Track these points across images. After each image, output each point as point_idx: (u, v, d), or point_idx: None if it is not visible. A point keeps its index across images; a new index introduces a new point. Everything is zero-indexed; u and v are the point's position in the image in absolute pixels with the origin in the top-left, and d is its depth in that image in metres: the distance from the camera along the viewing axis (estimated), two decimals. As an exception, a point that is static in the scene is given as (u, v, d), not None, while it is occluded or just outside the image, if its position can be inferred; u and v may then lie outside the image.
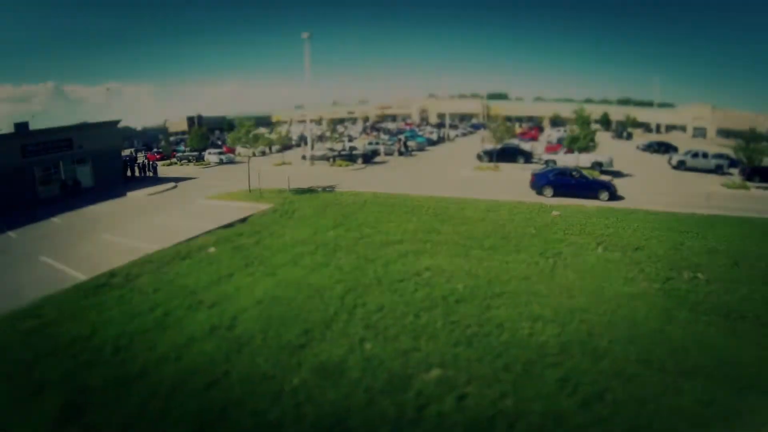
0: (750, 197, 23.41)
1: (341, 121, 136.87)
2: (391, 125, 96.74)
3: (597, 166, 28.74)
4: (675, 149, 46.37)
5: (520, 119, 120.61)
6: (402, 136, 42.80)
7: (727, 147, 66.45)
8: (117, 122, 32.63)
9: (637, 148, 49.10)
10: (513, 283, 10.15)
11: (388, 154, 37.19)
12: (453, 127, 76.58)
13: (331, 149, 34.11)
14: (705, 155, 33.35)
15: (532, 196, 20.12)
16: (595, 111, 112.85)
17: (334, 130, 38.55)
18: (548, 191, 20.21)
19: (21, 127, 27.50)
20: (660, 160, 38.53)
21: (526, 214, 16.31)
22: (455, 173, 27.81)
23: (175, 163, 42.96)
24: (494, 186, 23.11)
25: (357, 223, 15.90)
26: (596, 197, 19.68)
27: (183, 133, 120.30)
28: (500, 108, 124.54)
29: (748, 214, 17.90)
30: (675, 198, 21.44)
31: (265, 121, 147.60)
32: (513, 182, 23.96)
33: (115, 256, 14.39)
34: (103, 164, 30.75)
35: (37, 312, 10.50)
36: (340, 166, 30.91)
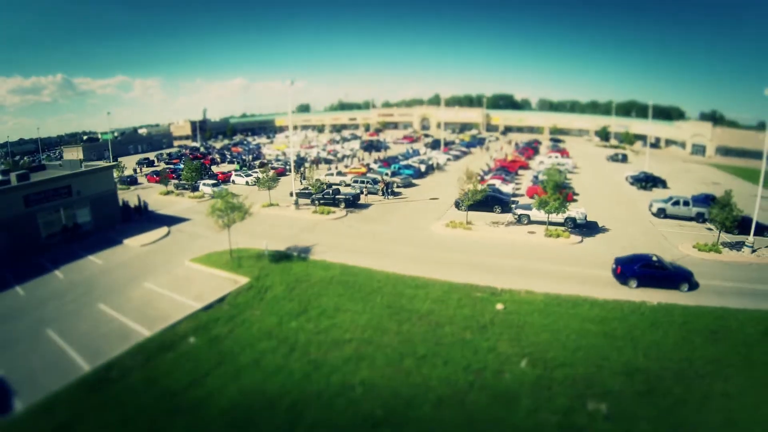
0: (719, 264, 24.82)
1: (343, 126, 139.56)
2: (389, 138, 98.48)
3: (570, 221, 30.08)
4: (663, 183, 47.73)
5: (520, 129, 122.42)
6: (388, 171, 45.06)
7: (724, 169, 67.81)
8: (113, 167, 35.36)
9: (626, 179, 49.90)
10: (425, 408, 12.88)
11: (372, 193, 39.57)
12: (448, 144, 78.52)
13: (319, 185, 36.22)
14: (686, 203, 34.23)
15: (486, 272, 22.57)
16: (596, 123, 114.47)
17: (318, 163, 40.77)
18: (633, 283, 21.27)
19: (22, 177, 30.30)
20: (644, 200, 39.69)
21: (471, 307, 18.88)
22: (427, 230, 30.35)
23: (172, 192, 45.54)
24: (459, 254, 25.63)
25: (319, 310, 18.77)
26: (677, 288, 21.02)
27: (187, 137, 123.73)
28: (500, 117, 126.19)
29: (700, 303, 19.64)
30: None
31: (268, 126, 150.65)
32: (478, 249, 26.38)
33: (111, 339, 17.41)
34: (101, 207, 33.71)
35: (52, 409, 13.63)
36: (322, 213, 33.44)
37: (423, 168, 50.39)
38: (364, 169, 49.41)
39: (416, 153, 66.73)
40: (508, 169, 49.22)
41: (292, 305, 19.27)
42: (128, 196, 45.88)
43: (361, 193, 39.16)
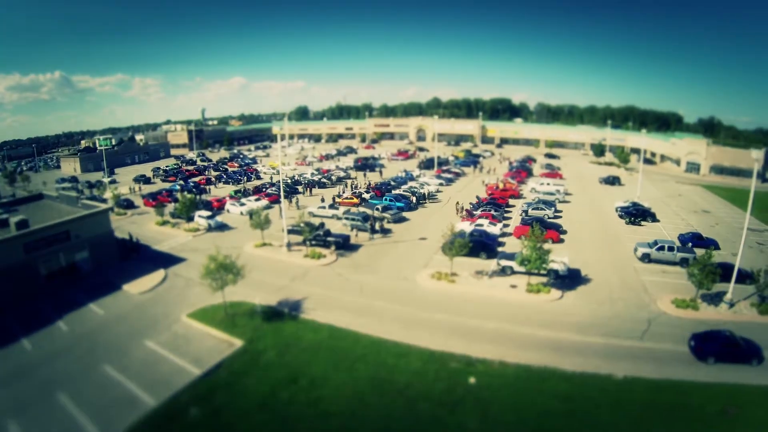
0: (695, 324, 25.88)
1: (340, 136, 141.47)
2: (384, 152, 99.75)
3: (553, 273, 31.43)
4: (652, 216, 48.73)
5: (516, 141, 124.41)
6: (379, 206, 46.87)
7: (717, 190, 69.36)
8: (109, 209, 37.21)
9: (616, 210, 51.34)
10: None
11: (363, 230, 41.47)
12: (442, 164, 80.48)
13: (309, 225, 37.81)
14: (671, 248, 35.53)
15: (465, 336, 24.79)
16: (591, 136, 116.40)
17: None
18: (711, 359, 22.41)
19: (21, 225, 32.07)
20: (631, 238, 41.52)
21: (447, 380, 20.74)
22: (413, 281, 32.21)
23: (168, 222, 47.21)
24: (441, 314, 27.41)
25: (308, 379, 20.95)
26: (749, 363, 22.43)
27: (184, 145, 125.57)
28: (496, 129, 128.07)
29: (670, 375, 21.16)
30: (613, 327, 25.61)
31: (265, 133, 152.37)
32: (459, 308, 28.07)
33: (119, 406, 19.39)
34: (99, 248, 35.70)
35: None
36: (313, 257, 35.37)
37: (414, 199, 52.24)
38: (356, 200, 51.31)
39: (409, 175, 68.68)
40: (497, 202, 50.95)
41: (283, 373, 21.29)
42: (126, 225, 47.83)
43: (352, 230, 41.14)
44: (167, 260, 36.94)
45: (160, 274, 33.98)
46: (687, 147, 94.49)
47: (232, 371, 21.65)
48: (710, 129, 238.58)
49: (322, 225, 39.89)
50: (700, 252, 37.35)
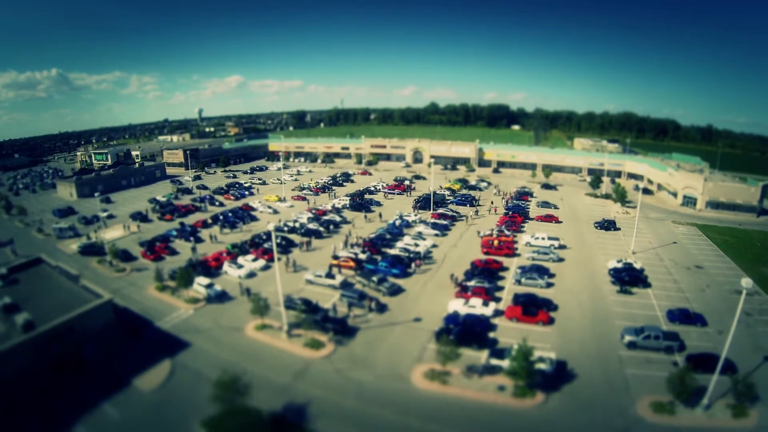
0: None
1: (336, 155, 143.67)
2: (381, 176, 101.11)
3: (539, 372, 33.66)
4: (644, 280, 51.73)
5: (513, 165, 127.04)
6: (374, 279, 49.31)
7: (713, 231, 71.61)
8: (111, 300, 39.71)
9: (609, 273, 53.93)
10: None
11: (358, 306, 44.19)
12: (438, 203, 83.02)
13: (306, 304, 40.35)
14: (657, 337, 38.25)
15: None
16: (588, 161, 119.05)
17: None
18: None
19: (28, 327, 34.64)
20: (621, 313, 44.42)
21: None
22: (408, 381, 34.72)
23: (167, 288, 49.60)
24: (433, 424, 30.12)
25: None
26: None
27: (180, 164, 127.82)
28: (493, 153, 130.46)
29: None
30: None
31: (261, 150, 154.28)
32: (448, 419, 30.53)
33: None
34: (103, 336, 38.39)
35: None
36: (312, 347, 38.17)
37: (414, 265, 55.07)
38: (352, 264, 53.85)
39: (404, 222, 71.26)
40: (491, 267, 53.62)
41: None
42: (125, 287, 50.31)
43: (350, 307, 43.99)
44: (171, 345, 39.34)
45: (166, 365, 36.47)
46: (684, 180, 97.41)
47: None
48: (707, 137, 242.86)
49: (317, 307, 42.59)
50: (686, 330, 40.75)
